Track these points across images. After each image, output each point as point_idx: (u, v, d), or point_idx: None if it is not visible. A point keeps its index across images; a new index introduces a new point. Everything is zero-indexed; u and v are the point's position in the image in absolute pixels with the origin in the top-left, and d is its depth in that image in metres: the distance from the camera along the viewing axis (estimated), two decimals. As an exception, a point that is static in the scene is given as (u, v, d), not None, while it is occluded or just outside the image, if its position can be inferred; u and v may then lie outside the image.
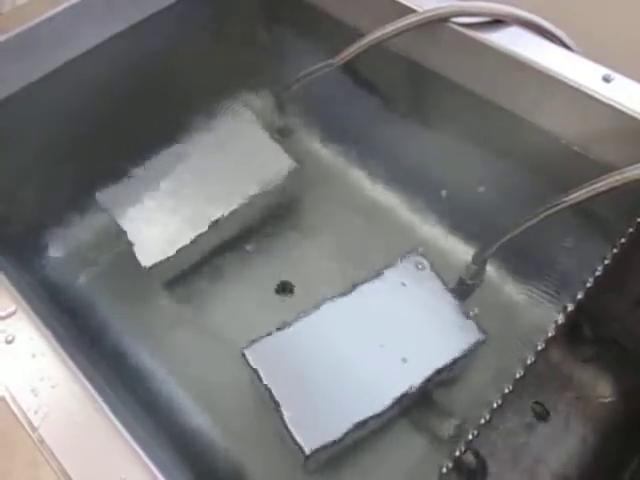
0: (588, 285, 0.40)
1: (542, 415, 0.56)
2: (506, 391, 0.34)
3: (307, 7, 0.57)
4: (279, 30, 0.64)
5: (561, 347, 0.58)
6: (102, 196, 0.55)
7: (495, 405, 0.34)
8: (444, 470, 0.33)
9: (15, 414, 0.30)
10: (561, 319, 0.39)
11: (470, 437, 0.34)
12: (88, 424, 0.30)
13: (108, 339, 0.53)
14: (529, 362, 0.36)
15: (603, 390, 0.57)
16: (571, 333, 0.58)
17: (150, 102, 0.60)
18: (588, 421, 0.56)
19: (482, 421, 0.34)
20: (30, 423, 0.30)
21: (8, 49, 0.51)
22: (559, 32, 0.48)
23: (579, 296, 0.39)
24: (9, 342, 0.32)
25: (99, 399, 0.30)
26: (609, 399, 0.57)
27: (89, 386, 0.31)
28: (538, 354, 0.36)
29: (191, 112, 0.61)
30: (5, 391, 0.31)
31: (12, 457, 0.31)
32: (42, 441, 0.29)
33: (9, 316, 0.33)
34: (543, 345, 0.37)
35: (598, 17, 0.57)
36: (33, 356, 0.32)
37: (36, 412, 0.30)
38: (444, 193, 0.58)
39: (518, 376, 0.35)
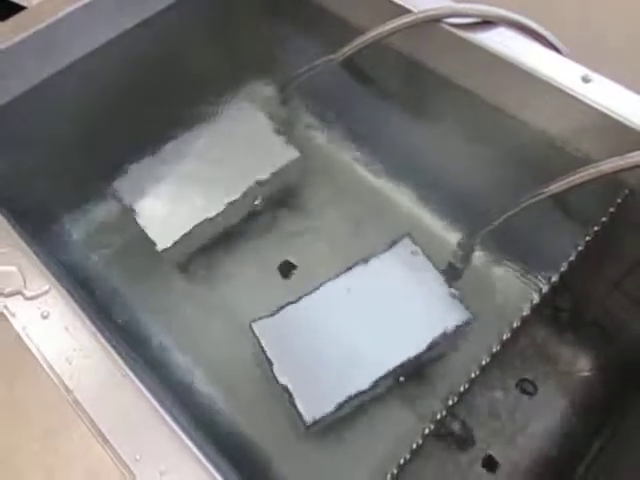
0: (562, 269, 0.43)
1: (526, 388, 0.60)
2: (483, 363, 0.39)
3: (310, 4, 0.60)
4: (283, 26, 0.67)
5: (545, 327, 0.62)
6: (118, 184, 0.59)
7: (473, 375, 0.38)
8: (426, 431, 0.38)
9: (52, 379, 0.35)
10: (536, 299, 0.43)
11: (451, 402, 0.38)
12: (116, 387, 0.34)
13: (125, 315, 0.58)
14: (505, 337, 0.40)
15: (583, 365, 0.61)
16: (554, 315, 0.62)
17: (160, 94, 0.63)
18: (569, 393, 0.60)
19: (462, 389, 0.38)
20: (65, 387, 0.34)
21: (28, 45, 0.55)
22: (546, 33, 0.51)
23: (554, 279, 0.43)
24: (45, 317, 0.37)
25: (125, 366, 0.35)
26: (588, 373, 0.61)
27: (115, 355, 0.35)
28: (514, 331, 0.40)
29: (199, 103, 0.64)
30: (43, 360, 0.35)
31: (51, 417, 0.36)
32: (77, 402, 0.33)
33: (44, 294, 0.37)
34: (519, 323, 0.41)
35: (585, 19, 0.60)
36: (66, 329, 0.36)
37: (71, 377, 0.34)
38: (437, 181, 0.62)
39: (495, 350, 0.39)
